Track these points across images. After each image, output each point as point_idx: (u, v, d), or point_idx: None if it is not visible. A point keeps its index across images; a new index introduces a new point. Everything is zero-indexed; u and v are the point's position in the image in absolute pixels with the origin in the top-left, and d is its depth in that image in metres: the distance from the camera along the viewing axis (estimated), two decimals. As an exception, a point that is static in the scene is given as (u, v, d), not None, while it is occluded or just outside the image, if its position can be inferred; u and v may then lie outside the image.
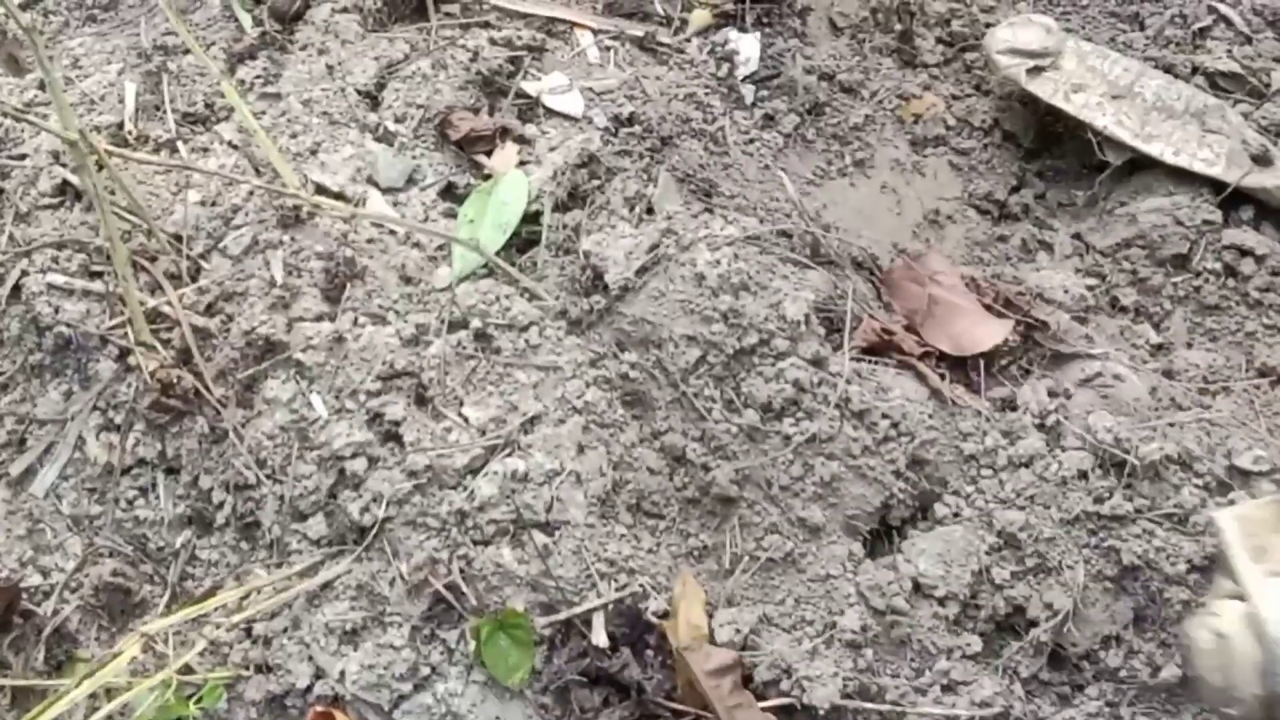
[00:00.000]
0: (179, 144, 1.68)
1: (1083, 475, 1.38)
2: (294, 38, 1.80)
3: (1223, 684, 1.26)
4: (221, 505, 1.43)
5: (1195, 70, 1.84)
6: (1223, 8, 1.92)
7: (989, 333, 1.50)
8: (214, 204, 1.59)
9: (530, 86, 1.77)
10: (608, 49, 1.85)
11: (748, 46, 1.84)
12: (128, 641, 1.33)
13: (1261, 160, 1.70)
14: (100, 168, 1.49)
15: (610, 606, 1.32)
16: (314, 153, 1.65)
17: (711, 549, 1.40)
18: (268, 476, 1.40)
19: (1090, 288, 1.66)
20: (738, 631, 1.32)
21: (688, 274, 1.44)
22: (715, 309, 1.41)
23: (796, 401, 1.39)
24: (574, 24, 1.87)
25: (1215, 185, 1.70)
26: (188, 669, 1.30)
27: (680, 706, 1.28)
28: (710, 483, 1.39)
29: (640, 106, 1.73)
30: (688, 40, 1.88)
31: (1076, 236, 1.75)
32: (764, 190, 1.70)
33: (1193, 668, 1.28)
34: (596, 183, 1.63)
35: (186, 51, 1.75)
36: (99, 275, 1.55)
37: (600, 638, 1.30)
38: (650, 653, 1.30)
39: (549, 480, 1.36)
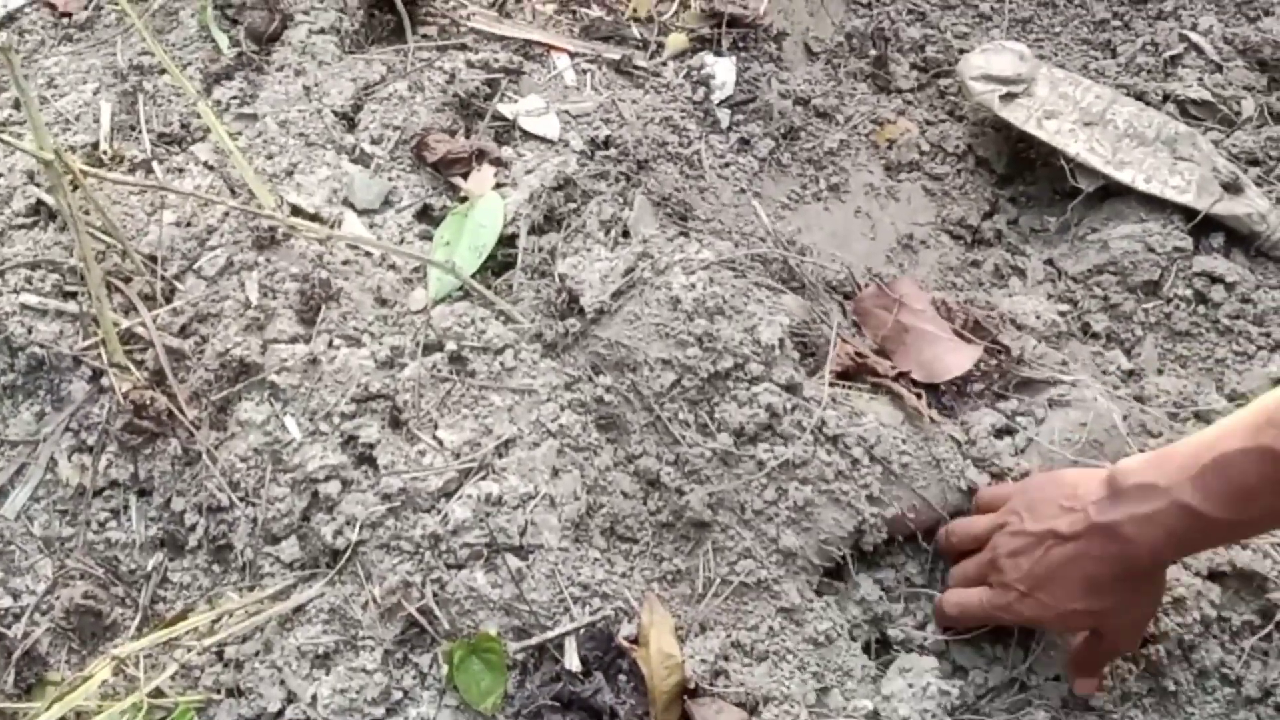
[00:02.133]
0: (154, 164, 1.67)
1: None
2: (271, 59, 1.80)
3: None
4: (194, 528, 1.42)
5: (1166, 98, 1.86)
6: (1194, 36, 1.94)
7: (959, 360, 1.51)
8: (189, 225, 1.59)
9: (507, 109, 1.77)
10: (584, 72, 1.86)
11: (723, 71, 1.85)
12: (98, 664, 1.32)
13: (1232, 188, 1.72)
14: (75, 187, 1.49)
15: (583, 631, 1.32)
16: (290, 174, 1.65)
17: (685, 573, 1.40)
18: (241, 499, 1.40)
19: (1062, 314, 1.67)
20: (709, 659, 1.32)
21: (663, 297, 1.45)
22: (690, 333, 1.42)
23: (770, 426, 1.40)
24: (551, 47, 1.88)
25: (1186, 212, 1.71)
26: (159, 692, 1.30)
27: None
28: (684, 507, 1.39)
29: (616, 130, 1.74)
30: (664, 64, 1.89)
31: (1049, 262, 1.76)
32: (739, 214, 1.71)
33: None
34: (572, 205, 1.64)
35: (163, 71, 1.75)
36: (73, 296, 1.54)
37: (573, 662, 1.30)
38: (623, 677, 1.30)
39: (523, 504, 1.36)
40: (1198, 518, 1.15)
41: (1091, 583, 1.23)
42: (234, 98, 1.74)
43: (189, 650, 1.32)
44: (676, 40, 1.91)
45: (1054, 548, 1.25)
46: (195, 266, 1.55)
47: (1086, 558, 1.23)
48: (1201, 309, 1.67)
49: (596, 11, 1.96)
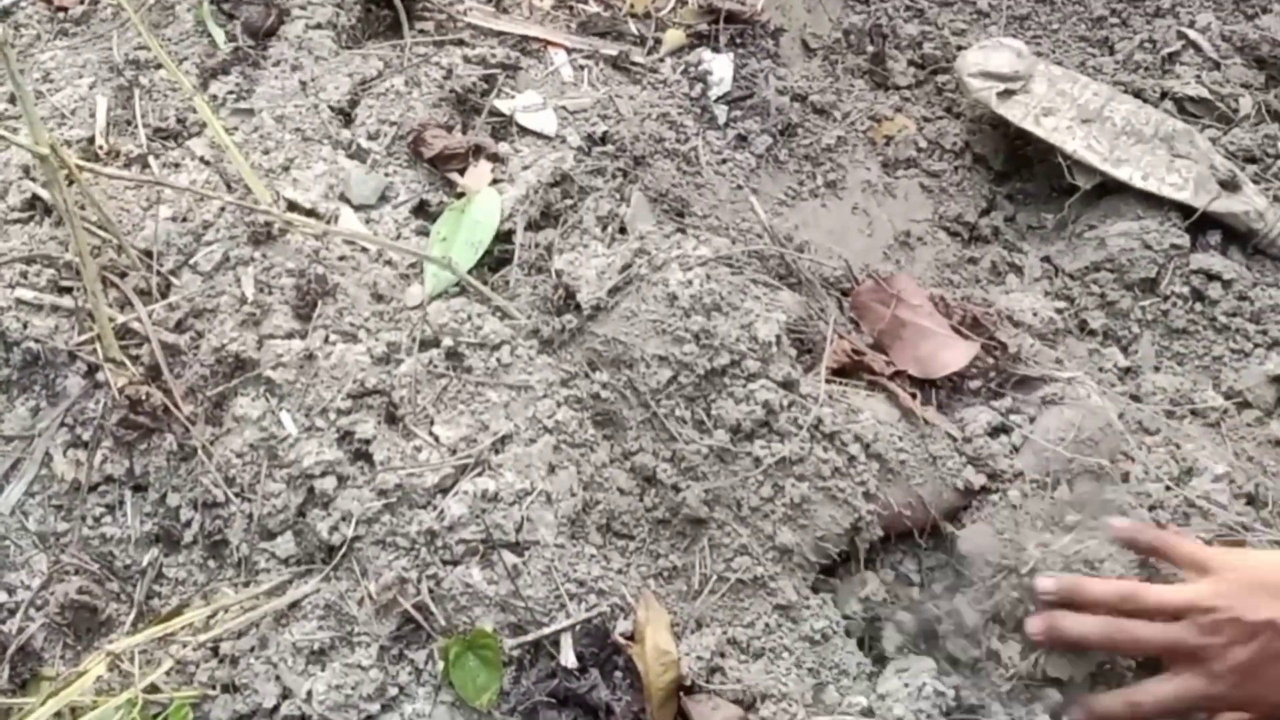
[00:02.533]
0: (150, 159, 1.67)
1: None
2: (267, 53, 1.79)
3: None
4: (189, 523, 1.42)
5: (1164, 95, 1.86)
6: (1192, 34, 1.94)
7: (955, 356, 1.51)
8: (185, 220, 1.59)
9: (504, 105, 1.77)
10: (581, 68, 1.86)
11: (721, 67, 1.85)
12: (93, 660, 1.32)
13: (1229, 185, 1.72)
14: (70, 182, 1.48)
15: (579, 627, 1.31)
16: (286, 169, 1.64)
17: (681, 570, 1.40)
18: (236, 494, 1.40)
19: (1059, 311, 1.67)
20: (705, 656, 1.32)
21: (660, 294, 1.44)
22: (687, 329, 1.42)
23: (767, 423, 1.40)
24: (548, 43, 1.88)
25: (1183, 210, 1.71)
26: (154, 688, 1.29)
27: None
28: (680, 503, 1.39)
29: (613, 126, 1.74)
30: (661, 60, 1.88)
31: (1046, 259, 1.76)
32: (736, 210, 1.71)
33: None
34: (569, 202, 1.64)
35: (159, 66, 1.75)
36: (68, 291, 1.54)
37: (569, 658, 1.30)
38: (619, 674, 1.30)
39: (519, 500, 1.36)
40: None
41: None
42: (230, 92, 1.73)
43: (184, 646, 1.32)
44: (674, 36, 1.91)
45: (1275, 638, 1.22)
46: (191, 262, 1.55)
47: None
48: (1199, 306, 1.67)
49: (594, 7, 1.96)
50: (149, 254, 1.54)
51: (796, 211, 1.77)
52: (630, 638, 1.33)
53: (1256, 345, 1.65)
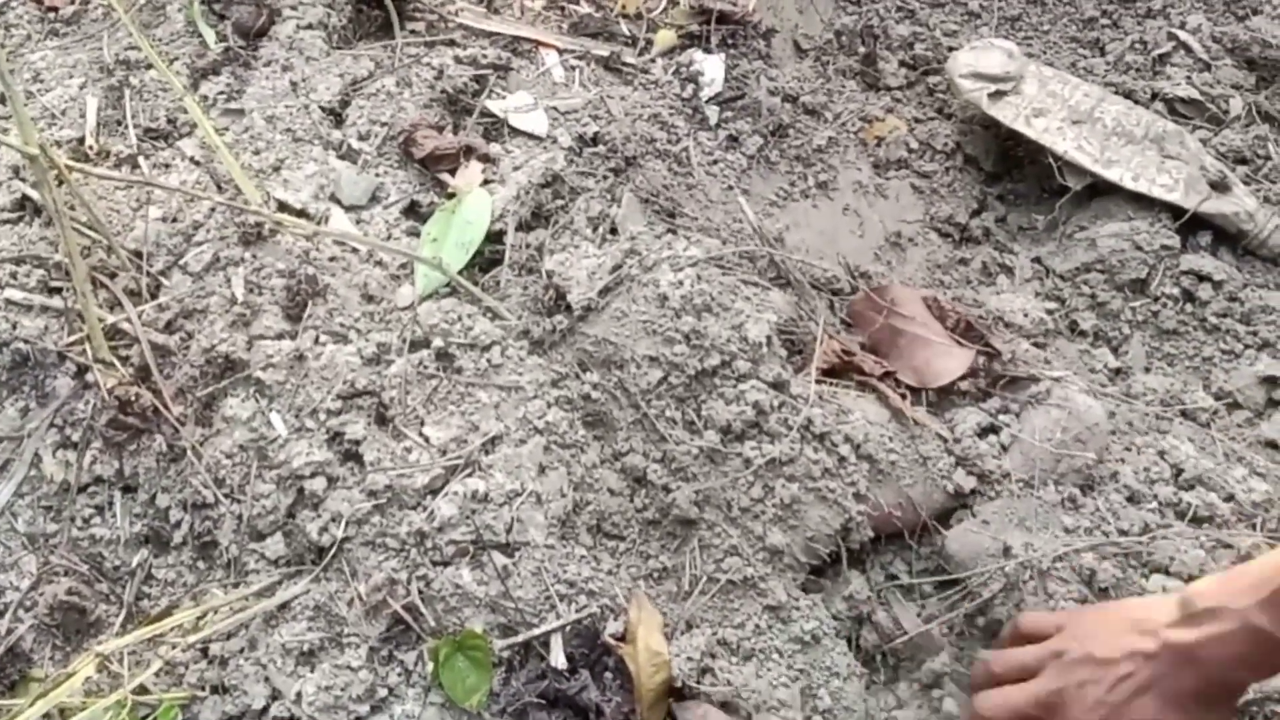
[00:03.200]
0: (140, 159, 1.66)
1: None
2: (258, 54, 1.79)
3: None
4: (179, 524, 1.41)
5: (1155, 96, 1.86)
6: (1182, 35, 1.94)
7: (952, 365, 1.51)
8: (175, 220, 1.58)
9: (495, 105, 1.77)
10: (573, 69, 1.86)
11: (712, 68, 1.85)
12: (82, 661, 1.32)
13: (1219, 186, 1.72)
14: (60, 183, 1.48)
15: (569, 628, 1.31)
16: (277, 169, 1.64)
17: (671, 571, 1.40)
18: (226, 495, 1.39)
19: (1050, 311, 1.67)
20: (695, 657, 1.31)
21: (650, 294, 1.44)
22: (677, 330, 1.42)
23: (757, 423, 1.40)
24: (539, 43, 1.88)
25: (1174, 210, 1.71)
26: (143, 689, 1.29)
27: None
28: (671, 504, 1.39)
29: (605, 126, 1.74)
30: (653, 61, 1.88)
31: (1036, 260, 1.76)
32: (727, 211, 1.71)
33: None
34: (560, 202, 1.64)
35: (149, 66, 1.75)
36: (58, 291, 1.53)
37: (559, 659, 1.30)
38: (609, 675, 1.30)
39: (509, 501, 1.36)
40: (1268, 640, 1.13)
41: (1168, 705, 1.20)
42: (221, 93, 1.73)
43: (173, 647, 1.32)
44: (665, 37, 1.91)
45: (1128, 675, 1.21)
46: (181, 262, 1.55)
47: (1166, 680, 1.19)
48: (1189, 307, 1.67)
49: (585, 8, 1.96)
50: (139, 254, 1.54)
51: (788, 212, 1.77)
52: (621, 638, 1.33)
53: (1247, 346, 1.65)
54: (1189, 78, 1.89)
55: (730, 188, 1.75)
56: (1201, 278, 1.67)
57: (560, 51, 1.87)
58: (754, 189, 1.77)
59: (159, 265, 1.54)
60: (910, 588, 1.42)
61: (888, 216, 1.80)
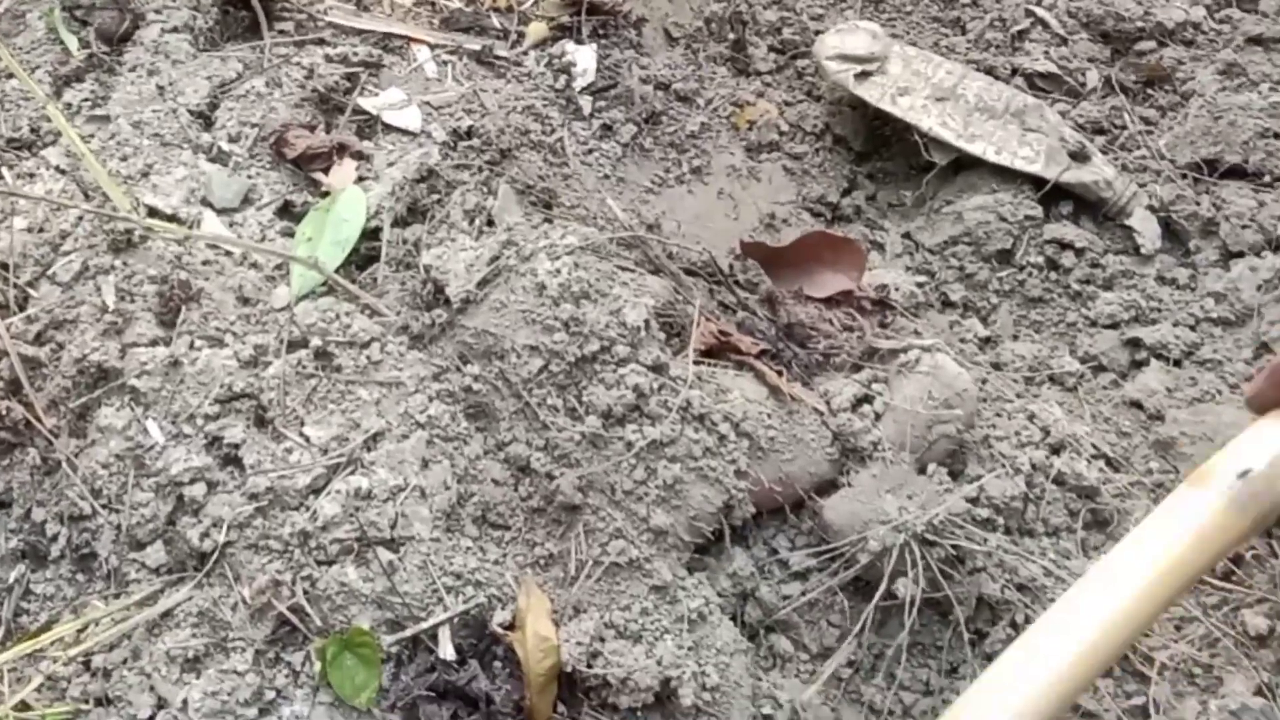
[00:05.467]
0: (4, 170, 1.64)
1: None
2: (123, 59, 1.77)
3: None
4: (56, 537, 1.39)
5: (1015, 72, 1.91)
6: (1039, 11, 2.00)
7: (840, 281, 1.56)
8: (42, 230, 1.56)
9: (367, 103, 1.76)
10: (445, 64, 1.86)
11: (584, 58, 1.86)
12: (-39, 681, 1.30)
13: (1079, 156, 1.77)
14: (-83, 197, 1.45)
15: (457, 620, 1.32)
16: (145, 175, 1.62)
17: (557, 557, 1.41)
18: (103, 506, 1.38)
19: (920, 285, 1.71)
20: (584, 641, 1.33)
21: (528, 284, 1.45)
22: (556, 318, 1.43)
23: (638, 407, 1.41)
24: (410, 39, 1.87)
25: (1036, 182, 1.76)
26: (24, 705, 1.27)
27: None
28: (555, 491, 1.40)
29: (479, 120, 1.74)
30: (525, 53, 1.89)
31: (906, 236, 1.80)
32: (604, 200, 1.72)
33: None
34: (436, 197, 1.64)
35: (10, 76, 1.71)
36: (-80, 307, 1.50)
37: (447, 651, 1.30)
38: (498, 664, 1.31)
39: (393, 496, 1.36)
40: None
41: None
42: (85, 100, 1.70)
43: (55, 661, 1.30)
44: (537, 29, 1.92)
45: None
46: (49, 273, 1.52)
47: None
48: (1053, 275, 1.72)
49: (456, 3, 1.96)
50: (4, 266, 1.51)
51: (663, 198, 1.79)
52: (509, 627, 1.33)
53: (1109, 310, 1.69)
54: (1047, 53, 1.94)
55: (606, 176, 1.77)
56: (1064, 246, 1.72)
57: (432, 47, 1.87)
58: (629, 176, 1.79)
59: (26, 276, 1.52)
60: (791, 561, 1.44)
61: (761, 199, 1.83)
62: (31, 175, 1.63)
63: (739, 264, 1.68)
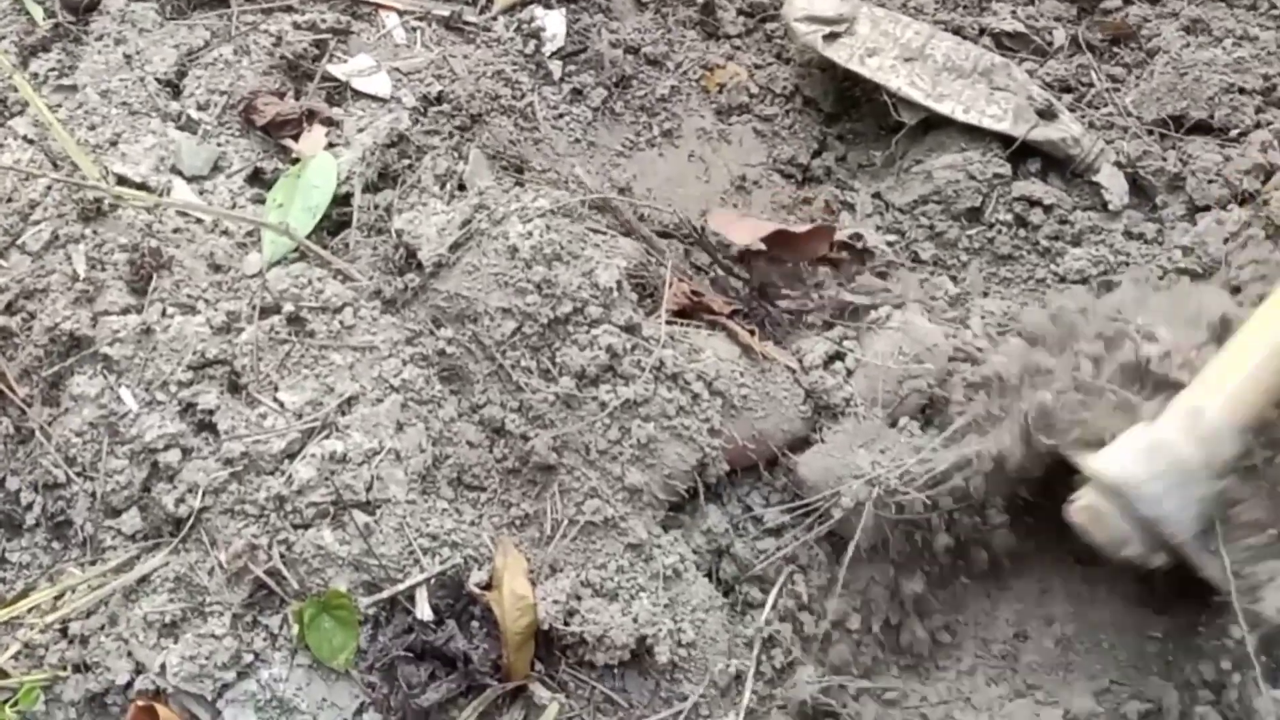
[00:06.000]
0: (-30, 141, 1.63)
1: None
2: (89, 28, 1.76)
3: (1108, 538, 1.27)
4: (30, 506, 1.39)
5: (982, 31, 1.91)
6: (1008, -30, 2.00)
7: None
8: (10, 200, 1.55)
9: (337, 69, 1.76)
10: (414, 30, 1.85)
11: (554, 23, 1.86)
12: (-62, 650, 1.30)
13: (1046, 114, 1.78)
14: (-117, 167, 1.44)
15: (433, 581, 1.33)
16: (114, 144, 1.62)
17: (533, 517, 1.41)
18: (78, 474, 1.38)
19: (890, 244, 1.72)
20: (561, 600, 1.33)
21: (500, 247, 1.45)
22: (529, 280, 1.43)
23: (611, 367, 1.42)
24: (379, 6, 1.87)
25: (1004, 140, 1.77)
26: (1, 673, 1.28)
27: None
28: (529, 452, 1.40)
29: (449, 85, 1.74)
30: (494, 19, 1.88)
31: (876, 195, 1.80)
32: (575, 163, 1.72)
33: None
34: (407, 162, 1.64)
35: (-26, 46, 1.70)
36: (-111, 279, 1.50)
37: (424, 612, 1.31)
38: (475, 624, 1.32)
39: (368, 460, 1.36)
40: None
41: None
42: (52, 70, 1.70)
43: (32, 629, 1.30)
44: (505, -7, 1.91)
45: None
46: (19, 242, 1.52)
47: None
48: (1022, 232, 1.73)
49: (424, -32, 1.94)
50: (-28, 237, 1.51)
51: (634, 162, 1.79)
52: (486, 587, 1.34)
53: (1078, 265, 1.70)
54: (1014, 12, 1.94)
55: (577, 140, 1.77)
56: (1033, 203, 1.73)
57: (400, 13, 1.86)
58: (600, 140, 1.79)
59: (-5, 246, 1.51)
60: (765, 518, 1.45)
61: (732, 161, 1.83)
62: (-1, 145, 1.62)
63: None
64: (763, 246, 1.58)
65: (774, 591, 1.41)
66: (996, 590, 1.45)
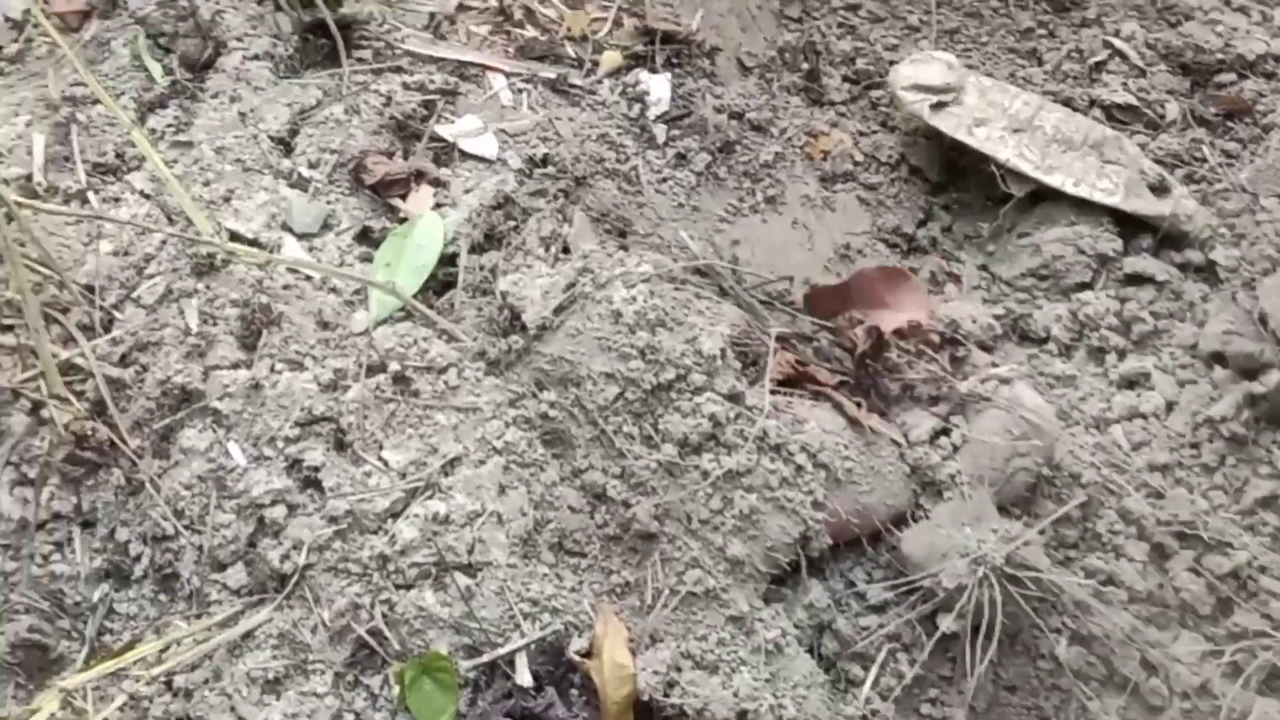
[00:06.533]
0: (90, 194, 1.66)
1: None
2: (205, 85, 1.79)
3: None
4: (139, 557, 1.41)
5: (1093, 103, 1.90)
6: (1117, 42, 1.99)
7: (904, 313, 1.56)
8: (126, 254, 1.59)
9: (444, 130, 1.78)
10: (520, 91, 1.87)
11: (659, 87, 1.87)
12: (46, 698, 1.31)
13: (1159, 189, 1.76)
14: (10, 220, 1.47)
15: (533, 646, 1.32)
16: (228, 200, 1.65)
17: (634, 585, 1.41)
18: (186, 527, 1.39)
19: (997, 317, 1.70)
20: (661, 670, 1.32)
21: (604, 311, 1.46)
22: (632, 345, 1.43)
23: (714, 435, 1.41)
24: (486, 68, 1.89)
25: (1115, 214, 1.75)
26: (107, 725, 1.29)
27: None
28: (631, 519, 1.40)
29: (554, 147, 1.76)
30: (599, 82, 1.90)
31: (983, 268, 1.79)
32: (678, 228, 1.73)
33: None
34: (512, 223, 1.65)
35: (96, 102, 1.74)
36: (10, 328, 1.52)
37: (524, 678, 1.30)
38: (575, 691, 1.31)
39: (470, 521, 1.36)
40: None
41: None
42: (169, 125, 1.73)
43: (137, 680, 1.31)
44: (611, 58, 1.93)
45: None
46: (134, 295, 1.55)
47: None
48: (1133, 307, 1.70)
49: (531, 31, 1.97)
50: (91, 289, 1.54)
51: (737, 227, 1.79)
52: (586, 654, 1.33)
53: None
54: (1125, 84, 1.93)
55: (680, 205, 1.77)
56: (1144, 280, 1.70)
57: (507, 75, 1.89)
58: (703, 205, 1.79)
59: (111, 299, 1.54)
60: (868, 594, 1.43)
61: (836, 229, 1.83)
62: (117, 200, 1.66)
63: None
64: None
65: (874, 669, 1.39)
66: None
